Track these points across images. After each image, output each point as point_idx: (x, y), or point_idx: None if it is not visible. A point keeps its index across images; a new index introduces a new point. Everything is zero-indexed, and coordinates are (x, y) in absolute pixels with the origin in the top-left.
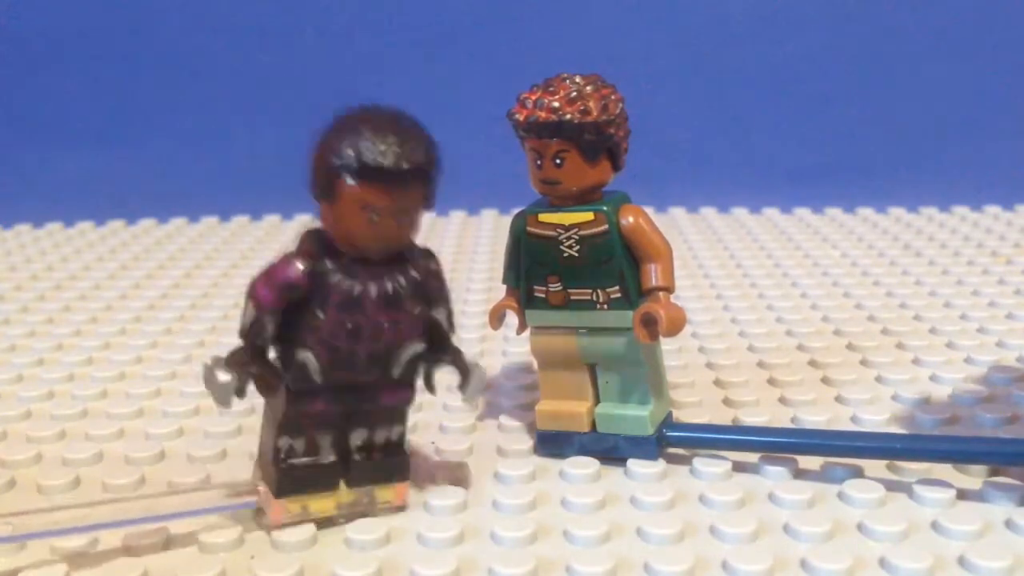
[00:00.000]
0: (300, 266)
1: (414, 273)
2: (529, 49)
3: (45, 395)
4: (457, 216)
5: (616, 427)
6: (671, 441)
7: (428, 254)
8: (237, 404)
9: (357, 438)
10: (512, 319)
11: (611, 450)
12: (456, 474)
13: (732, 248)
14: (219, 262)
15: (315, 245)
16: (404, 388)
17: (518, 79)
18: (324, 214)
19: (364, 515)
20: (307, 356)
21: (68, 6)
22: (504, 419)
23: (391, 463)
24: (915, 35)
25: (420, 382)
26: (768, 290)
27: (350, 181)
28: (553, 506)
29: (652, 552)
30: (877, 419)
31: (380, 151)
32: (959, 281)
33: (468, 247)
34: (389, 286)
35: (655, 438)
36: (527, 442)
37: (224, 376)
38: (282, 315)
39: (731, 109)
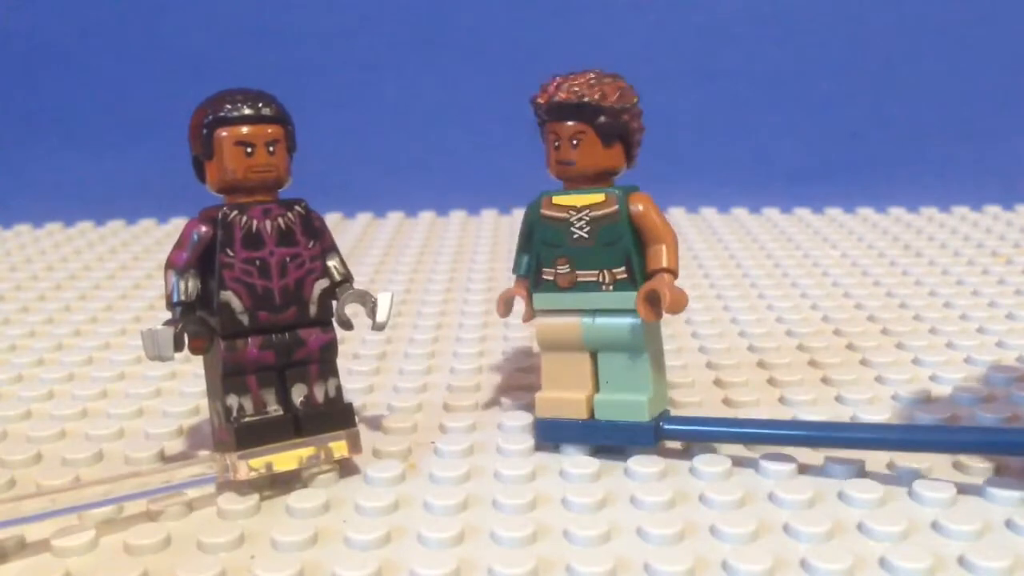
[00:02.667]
0: (201, 220)
1: (298, 209)
2: (529, 50)
3: (45, 395)
4: (457, 216)
5: (614, 413)
6: (668, 434)
7: (305, 201)
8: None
9: (298, 394)
10: (518, 311)
11: (609, 437)
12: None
13: (732, 248)
14: None
15: (211, 208)
16: (325, 331)
17: (518, 80)
18: (210, 174)
19: (324, 470)
20: (229, 296)
21: (68, 6)
22: (504, 419)
23: (335, 411)
24: (915, 35)
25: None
26: (768, 290)
27: (223, 130)
28: (553, 506)
29: (652, 552)
30: (877, 419)
31: (240, 100)
32: (959, 281)
33: (468, 247)
34: (281, 221)
35: (652, 426)
36: (527, 442)
37: (161, 327)
38: (200, 277)
39: (731, 109)
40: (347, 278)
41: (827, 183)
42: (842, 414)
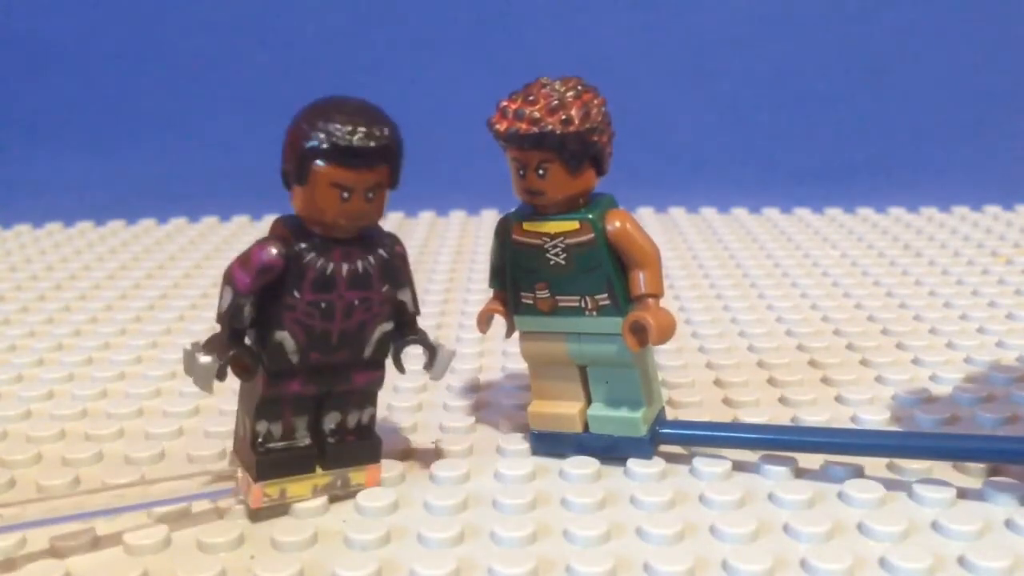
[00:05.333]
0: (275, 249)
1: (382, 252)
2: (529, 49)
3: (45, 395)
4: (457, 216)
5: (609, 428)
6: (665, 439)
7: (394, 238)
8: (218, 387)
9: (330, 421)
10: (500, 322)
11: (606, 449)
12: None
13: (732, 248)
14: (219, 262)
15: (288, 229)
16: (375, 368)
17: (518, 79)
18: (297, 197)
19: (337, 497)
20: (284, 336)
21: (68, 6)
22: (504, 419)
23: (363, 446)
24: (915, 35)
25: (390, 363)
26: (768, 290)
27: (321, 162)
28: (553, 506)
29: (652, 552)
30: (877, 419)
31: (349, 132)
32: (959, 281)
33: (468, 247)
34: (359, 264)
35: (648, 439)
36: (527, 442)
37: (205, 358)
38: (258, 299)
39: (731, 109)
40: (413, 317)
41: (827, 183)
42: (842, 414)
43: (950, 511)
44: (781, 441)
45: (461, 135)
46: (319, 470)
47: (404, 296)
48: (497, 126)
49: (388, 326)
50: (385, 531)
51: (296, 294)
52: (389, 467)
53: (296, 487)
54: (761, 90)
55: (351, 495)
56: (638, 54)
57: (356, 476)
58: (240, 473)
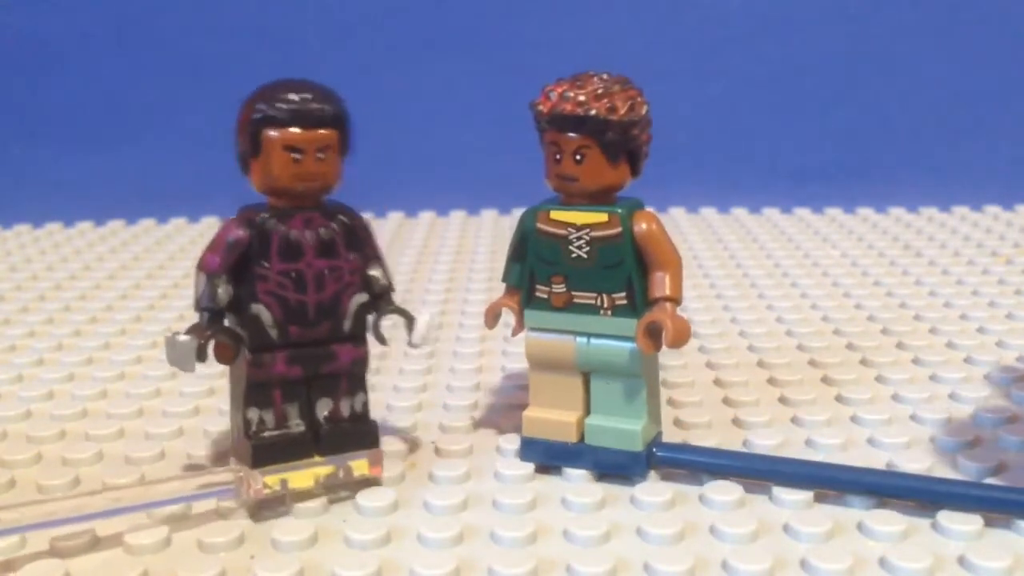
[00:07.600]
0: (238, 224)
1: (343, 219)
2: (529, 50)
3: (45, 395)
4: (457, 216)
5: (605, 440)
6: (660, 461)
7: (354, 210)
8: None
9: (323, 408)
10: (508, 320)
11: (598, 464)
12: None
13: (732, 248)
14: None
15: (250, 209)
16: (358, 346)
17: (518, 80)
18: (255, 174)
19: (341, 488)
20: (259, 308)
21: (68, 6)
22: (503, 419)
23: (360, 430)
24: (915, 35)
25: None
26: (768, 290)
27: (272, 130)
28: (553, 506)
29: (652, 552)
30: (877, 419)
31: (292, 97)
32: (959, 281)
33: (468, 247)
34: (322, 231)
35: (644, 455)
36: None
37: (183, 337)
38: (232, 283)
39: (731, 109)
40: (387, 290)
41: (827, 183)
42: (842, 414)
43: (950, 511)
44: (779, 473)
45: (461, 135)
46: (317, 457)
47: (375, 270)
48: (540, 106)
49: (363, 297)
50: (385, 531)
51: (265, 263)
52: (389, 467)
53: (298, 478)
54: (761, 90)
55: (352, 493)
56: (637, 54)
57: (358, 466)
58: (241, 472)
